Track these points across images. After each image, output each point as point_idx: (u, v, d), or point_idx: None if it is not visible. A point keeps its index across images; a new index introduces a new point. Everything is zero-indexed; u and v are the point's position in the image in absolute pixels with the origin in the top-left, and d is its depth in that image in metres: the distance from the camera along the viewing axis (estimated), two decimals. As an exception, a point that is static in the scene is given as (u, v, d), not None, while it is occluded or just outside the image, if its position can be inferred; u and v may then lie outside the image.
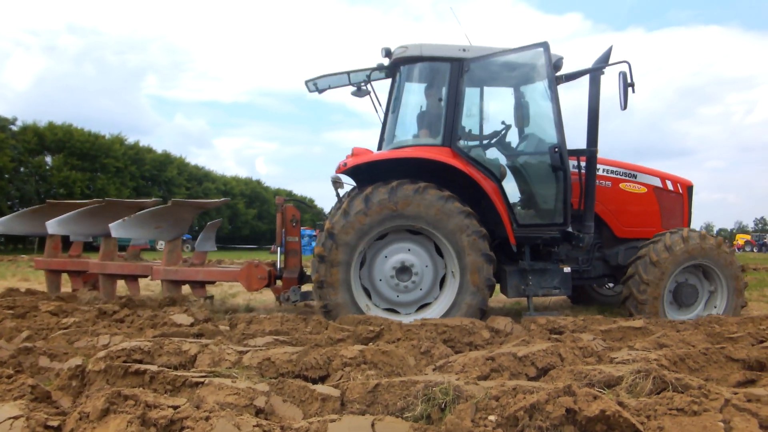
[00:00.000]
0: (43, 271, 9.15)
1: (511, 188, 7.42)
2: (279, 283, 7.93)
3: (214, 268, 8.49)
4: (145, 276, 8.65)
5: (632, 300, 7.23)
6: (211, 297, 8.36)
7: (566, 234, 7.42)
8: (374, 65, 8.06)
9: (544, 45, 7.21)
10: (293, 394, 3.16)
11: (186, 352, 4.15)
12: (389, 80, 8.18)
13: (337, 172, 7.08)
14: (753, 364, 4.19)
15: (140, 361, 3.97)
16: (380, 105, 8.30)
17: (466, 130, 7.57)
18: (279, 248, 7.98)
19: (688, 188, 8.45)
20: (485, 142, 7.77)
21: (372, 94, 8.30)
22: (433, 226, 6.76)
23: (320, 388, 3.13)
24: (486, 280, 6.79)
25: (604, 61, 7.44)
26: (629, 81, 6.97)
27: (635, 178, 8.14)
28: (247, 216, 65.92)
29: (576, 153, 7.45)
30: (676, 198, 8.34)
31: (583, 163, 7.53)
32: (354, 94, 8.24)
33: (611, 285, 8.81)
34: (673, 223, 8.16)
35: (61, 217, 8.53)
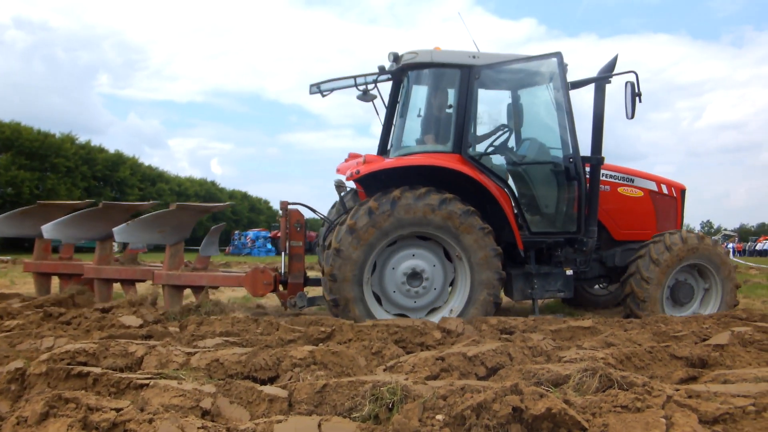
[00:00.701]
0: (32, 274, 8.82)
1: (522, 195, 7.56)
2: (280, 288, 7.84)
3: (218, 273, 8.26)
4: (143, 281, 8.42)
5: (633, 297, 7.45)
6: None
7: (570, 238, 7.60)
8: (376, 69, 8.06)
9: (558, 55, 7.36)
10: (240, 396, 3.12)
11: (132, 354, 4.06)
12: (385, 85, 8.29)
13: (348, 179, 7.12)
14: (695, 361, 4.29)
15: (85, 364, 3.87)
16: (380, 109, 8.41)
17: (476, 137, 7.65)
18: (283, 253, 7.86)
19: (682, 192, 8.74)
20: (495, 149, 7.83)
21: (379, 98, 8.32)
22: (453, 237, 6.84)
23: (267, 389, 3.10)
24: (495, 297, 6.95)
25: (609, 70, 7.59)
26: (637, 91, 7.19)
27: (633, 182, 8.39)
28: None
29: (582, 160, 7.52)
30: (670, 201, 8.61)
31: (587, 169, 7.64)
32: (360, 98, 8.22)
33: (604, 285, 9.00)
34: (667, 226, 8.41)
35: (56, 221, 8.25)
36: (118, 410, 2.65)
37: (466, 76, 7.26)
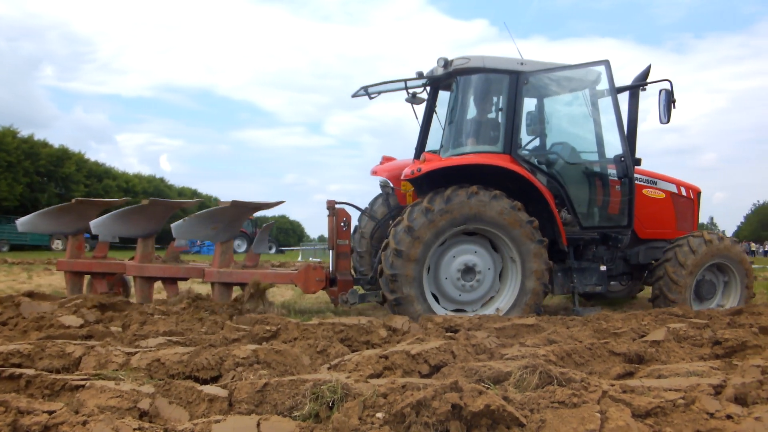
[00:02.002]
0: (64, 272, 8.59)
1: (573, 193, 8.00)
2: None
3: (269, 271, 8.24)
4: (185, 279, 8.39)
5: (662, 299, 7.97)
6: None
7: (604, 235, 8.21)
8: (414, 74, 8.47)
9: (606, 63, 7.85)
10: (180, 396, 3.08)
11: (70, 355, 3.96)
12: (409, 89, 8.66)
13: (407, 177, 7.49)
14: (633, 357, 4.41)
15: (19, 365, 3.76)
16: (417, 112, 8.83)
17: (525, 138, 8.18)
18: (330, 251, 8.01)
19: (698, 194, 9.28)
20: (545, 150, 8.30)
21: (428, 101, 8.76)
22: (504, 231, 7.22)
23: (207, 389, 3.06)
24: (544, 285, 7.37)
25: (642, 78, 8.16)
26: (672, 98, 7.76)
27: (655, 184, 8.89)
28: (150, 214, 63.56)
29: (609, 162, 8.10)
30: (687, 202, 9.13)
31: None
32: (408, 100, 8.65)
33: (625, 282, 9.31)
34: (685, 225, 8.97)
35: (103, 217, 8.18)
36: (50, 413, 2.59)
37: (514, 82, 7.73)
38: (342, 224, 7.93)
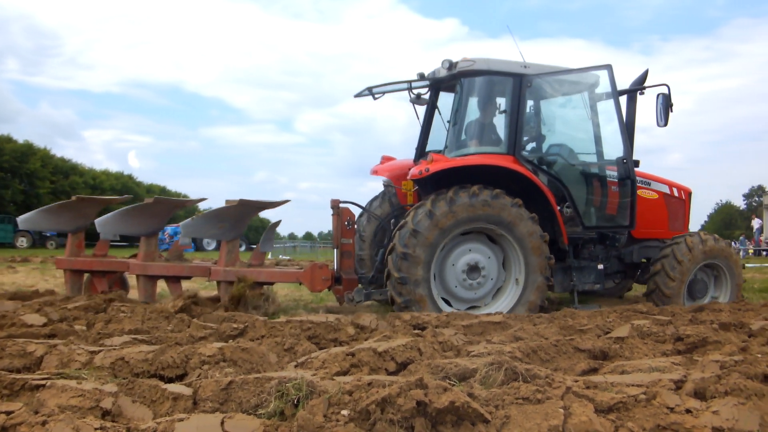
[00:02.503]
0: (63, 271, 8.43)
1: (576, 193, 8.20)
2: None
3: (275, 269, 8.32)
4: (189, 278, 8.34)
5: (658, 293, 8.22)
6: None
7: (602, 235, 8.48)
8: (415, 76, 8.60)
9: (608, 67, 7.99)
10: (144, 394, 3.04)
11: (31, 354, 3.90)
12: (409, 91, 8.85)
13: (414, 177, 7.59)
14: (597, 353, 4.47)
15: (-22, 365, 3.69)
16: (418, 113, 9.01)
17: (529, 139, 8.39)
18: (335, 250, 8.05)
19: (689, 194, 9.51)
20: (548, 151, 8.49)
21: (430, 102, 8.91)
22: (506, 228, 7.40)
23: (172, 387, 3.03)
24: (547, 279, 7.56)
25: (640, 82, 8.40)
26: (670, 101, 8.02)
27: (649, 185, 9.06)
28: (118, 212, 62.69)
29: (611, 164, 8.31)
30: (679, 203, 9.37)
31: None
32: (413, 101, 8.82)
33: (618, 280, 9.56)
34: (677, 225, 9.22)
35: (108, 215, 8.11)
36: (8, 413, 2.54)
37: (518, 84, 7.90)
38: (346, 223, 7.99)
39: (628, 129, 8.31)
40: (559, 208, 7.91)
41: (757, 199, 74.35)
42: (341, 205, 8.08)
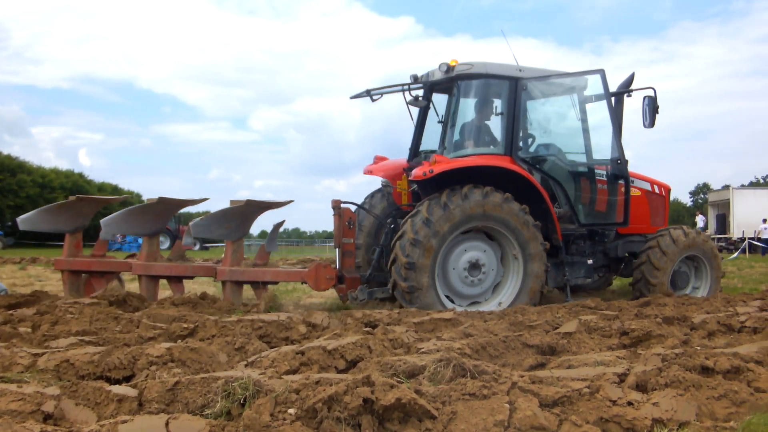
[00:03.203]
0: (62, 272, 8.28)
1: (573, 192, 8.55)
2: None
3: (280, 269, 8.46)
4: (192, 277, 8.40)
5: (644, 283, 8.59)
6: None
7: (592, 231, 8.78)
8: (409, 79, 8.79)
9: (601, 72, 8.35)
10: (88, 397, 2.99)
11: (-30, 358, 3.78)
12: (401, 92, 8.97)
13: (418, 178, 7.63)
14: (545, 348, 4.54)
15: None
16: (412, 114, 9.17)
17: (526, 141, 8.62)
18: (337, 249, 8.20)
19: (668, 191, 9.83)
20: (543, 152, 8.69)
21: (431, 104, 9.05)
22: (512, 232, 7.69)
23: (116, 389, 2.98)
24: (542, 285, 7.85)
25: (627, 86, 8.68)
26: (656, 104, 8.36)
27: (633, 183, 9.15)
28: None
29: (605, 163, 8.63)
30: (660, 199, 9.69)
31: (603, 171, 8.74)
32: (411, 103, 8.96)
33: (602, 273, 9.75)
34: (658, 220, 9.55)
35: (114, 215, 7.97)
36: (-56, 418, 2.47)
37: (514, 87, 8.16)
38: (347, 223, 8.12)
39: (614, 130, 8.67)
40: (555, 205, 8.24)
41: (702, 196, 76.36)
42: (342, 205, 8.24)
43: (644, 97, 8.45)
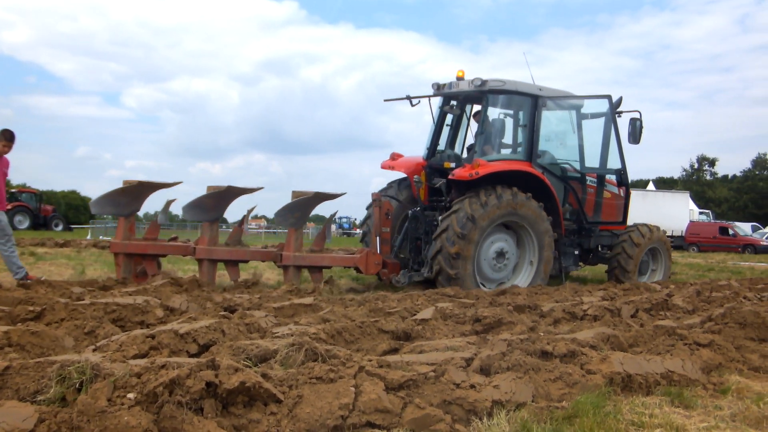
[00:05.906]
0: (115, 254, 8.55)
1: (582, 195, 10.30)
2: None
3: (336, 255, 9.61)
4: (247, 261, 9.29)
5: (620, 270, 10.36)
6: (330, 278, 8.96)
7: (580, 227, 10.43)
8: (431, 87, 10.18)
9: (608, 97, 10.14)
10: None
11: None
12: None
13: (463, 178, 8.78)
14: (400, 334, 4.67)
15: None
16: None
17: (542, 150, 9.97)
18: (377, 238, 9.10)
19: (629, 194, 11.32)
20: (557, 160, 10.22)
21: (464, 113, 10.60)
22: (531, 225, 9.18)
23: (-61, 375, 2.79)
24: (551, 267, 9.56)
25: (615, 107, 10.23)
26: (641, 124, 10.09)
27: (606, 186, 10.86)
28: None
29: (608, 172, 10.53)
30: (622, 200, 11.13)
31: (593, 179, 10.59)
32: (446, 110, 10.28)
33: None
34: (621, 218, 11.06)
35: (192, 201, 8.31)
36: None
37: (535, 103, 9.65)
38: (386, 214, 9.12)
39: (606, 145, 10.38)
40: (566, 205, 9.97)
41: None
42: (382, 198, 9.33)
43: (630, 119, 10.12)
